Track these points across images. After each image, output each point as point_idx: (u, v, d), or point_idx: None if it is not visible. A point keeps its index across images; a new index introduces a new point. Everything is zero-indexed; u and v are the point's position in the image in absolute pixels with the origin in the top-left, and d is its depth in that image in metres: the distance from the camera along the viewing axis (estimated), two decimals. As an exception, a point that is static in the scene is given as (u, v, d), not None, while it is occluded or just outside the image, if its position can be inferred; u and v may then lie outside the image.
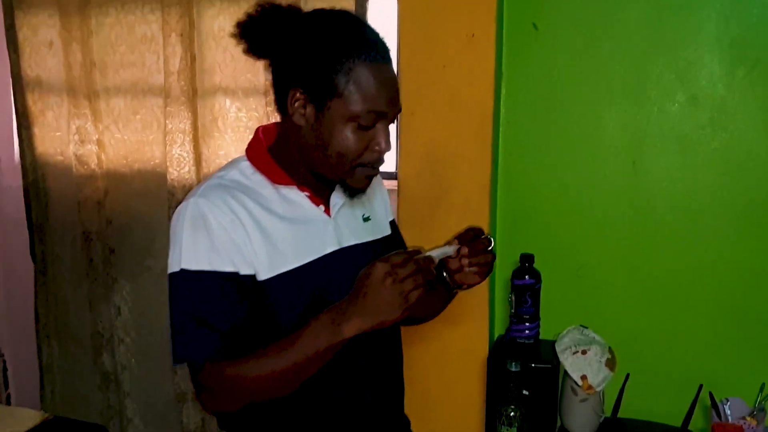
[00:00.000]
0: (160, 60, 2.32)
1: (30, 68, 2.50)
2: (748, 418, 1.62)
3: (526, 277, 1.78)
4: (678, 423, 1.75)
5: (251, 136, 1.24)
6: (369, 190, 1.22)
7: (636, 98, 1.78)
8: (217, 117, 2.30)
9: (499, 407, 1.68)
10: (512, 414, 1.65)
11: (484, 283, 1.81)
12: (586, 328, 1.81)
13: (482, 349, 1.86)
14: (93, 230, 2.55)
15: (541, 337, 1.85)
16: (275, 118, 1.36)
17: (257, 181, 1.17)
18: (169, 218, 1.20)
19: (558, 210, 1.87)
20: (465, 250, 1.20)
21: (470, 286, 1.27)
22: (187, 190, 2.23)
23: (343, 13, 1.16)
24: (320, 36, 1.10)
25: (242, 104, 2.26)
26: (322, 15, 1.15)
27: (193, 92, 2.29)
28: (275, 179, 1.17)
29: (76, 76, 2.43)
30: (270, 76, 1.17)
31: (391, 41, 1.85)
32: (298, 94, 1.11)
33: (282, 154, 1.18)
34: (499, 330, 1.94)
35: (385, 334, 1.13)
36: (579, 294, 1.89)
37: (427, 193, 1.86)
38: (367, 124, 1.11)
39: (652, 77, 1.76)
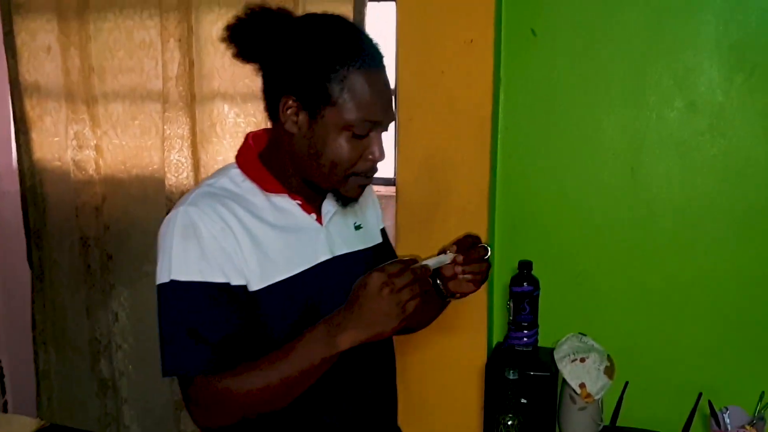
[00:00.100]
0: (159, 65, 2.32)
1: (28, 73, 2.50)
2: (748, 427, 1.61)
3: (525, 284, 1.77)
4: None
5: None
6: (360, 198, 1.20)
7: (634, 104, 1.77)
8: (216, 122, 2.30)
9: (497, 415, 1.66)
10: (510, 422, 1.64)
11: (483, 290, 1.81)
12: (585, 335, 1.80)
13: (480, 357, 1.84)
14: (91, 236, 2.54)
15: (539, 344, 1.83)
16: (272, 124, 1.35)
17: (248, 188, 1.14)
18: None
19: (557, 216, 1.86)
20: (460, 258, 1.17)
21: (464, 295, 1.24)
22: (185, 196, 2.22)
23: (336, 18, 1.13)
24: (313, 42, 1.08)
25: (240, 110, 2.26)
26: (314, 20, 1.13)
27: (192, 98, 2.29)
28: (266, 187, 1.14)
29: (74, 81, 2.43)
30: (260, 81, 1.15)
31: (389, 46, 1.86)
32: (290, 102, 1.09)
33: (273, 162, 1.16)
34: (497, 337, 1.93)
35: (377, 345, 1.11)
36: (578, 301, 1.88)
37: (425, 199, 1.85)
38: (362, 133, 1.09)
39: (650, 83, 1.76)
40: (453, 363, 1.88)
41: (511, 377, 1.63)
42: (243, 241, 1.08)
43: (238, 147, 1.20)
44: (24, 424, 2.12)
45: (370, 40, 1.12)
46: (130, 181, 2.46)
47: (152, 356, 2.52)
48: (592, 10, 1.77)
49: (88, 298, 2.60)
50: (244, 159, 1.17)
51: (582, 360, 1.71)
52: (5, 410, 2.82)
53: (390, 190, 2.16)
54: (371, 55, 1.10)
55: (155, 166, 2.41)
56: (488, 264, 1.21)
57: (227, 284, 1.07)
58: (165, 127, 2.33)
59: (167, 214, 1.12)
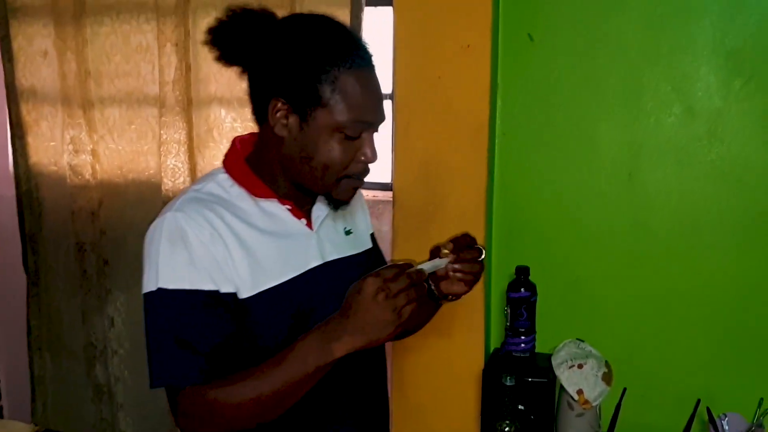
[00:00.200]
0: (155, 70, 2.31)
1: (24, 78, 2.50)
2: (747, 434, 1.60)
3: (522, 289, 1.76)
4: (675, 438, 1.73)
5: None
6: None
7: (632, 110, 1.77)
8: (212, 127, 2.29)
9: (494, 422, 1.65)
10: (507, 429, 1.63)
11: (480, 296, 1.82)
12: (583, 341, 1.79)
13: (477, 363, 1.83)
14: (87, 241, 2.54)
15: (537, 350, 1.82)
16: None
17: (236, 193, 1.12)
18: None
19: (554, 222, 1.86)
20: (452, 257, 1.16)
21: (456, 297, 1.23)
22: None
23: (323, 18, 1.11)
24: (302, 43, 1.06)
25: (237, 114, 2.25)
26: (301, 20, 1.11)
27: (188, 102, 2.29)
28: (255, 192, 1.12)
29: (70, 85, 2.42)
30: (246, 85, 1.12)
31: (386, 51, 1.86)
32: (279, 104, 1.07)
33: (261, 166, 1.13)
34: (494, 343, 1.92)
35: (369, 353, 1.07)
36: (575, 307, 1.87)
37: (422, 205, 1.84)
38: (354, 134, 1.07)
39: (648, 89, 1.75)
40: (450, 369, 1.87)
41: (508, 383, 1.61)
42: (232, 247, 1.06)
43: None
44: (19, 429, 2.11)
45: (359, 40, 1.11)
46: (127, 186, 2.45)
47: (148, 362, 2.52)
48: (589, 15, 1.77)
49: (84, 303, 2.58)
50: (232, 163, 1.15)
51: (580, 366, 1.71)
52: (0, 416, 2.81)
53: (387, 195, 2.15)
54: (361, 54, 1.08)
55: (152, 171, 2.41)
56: (481, 266, 1.20)
57: (217, 292, 1.04)
58: (162, 131, 2.32)
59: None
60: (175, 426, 1.06)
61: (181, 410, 1.04)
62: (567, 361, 1.73)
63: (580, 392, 1.68)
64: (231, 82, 2.22)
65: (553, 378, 1.74)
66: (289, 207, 1.14)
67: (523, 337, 1.78)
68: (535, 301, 1.78)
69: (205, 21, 2.22)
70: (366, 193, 2.30)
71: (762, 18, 1.64)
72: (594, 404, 1.68)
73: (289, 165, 1.10)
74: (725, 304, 1.75)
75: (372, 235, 1.36)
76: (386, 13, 1.98)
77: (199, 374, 1.02)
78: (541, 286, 1.79)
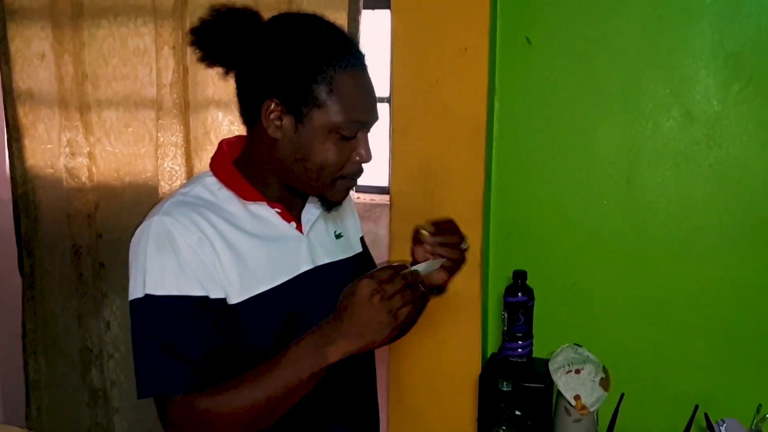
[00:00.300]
0: (153, 72, 2.31)
1: (22, 80, 2.49)
2: (745, 440, 1.59)
3: (519, 294, 1.75)
4: (673, 444, 1.72)
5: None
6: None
7: (630, 113, 1.76)
8: (210, 130, 2.28)
9: (491, 427, 1.64)
10: (504, 434, 1.62)
11: (477, 300, 1.80)
12: (580, 346, 1.78)
13: (474, 368, 1.82)
14: (83, 244, 2.52)
15: (534, 355, 1.81)
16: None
17: (224, 197, 1.09)
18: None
19: (551, 226, 1.85)
20: (431, 230, 1.13)
21: (439, 290, 1.20)
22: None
23: (314, 18, 1.09)
24: (296, 42, 1.04)
25: (235, 117, 2.24)
26: (292, 20, 1.09)
27: (186, 105, 2.28)
28: (244, 195, 1.10)
29: (67, 88, 2.41)
30: (224, 84, 1.11)
31: (383, 55, 1.85)
32: (273, 105, 1.04)
33: (251, 169, 1.11)
34: (492, 348, 1.91)
35: (358, 358, 1.03)
36: (573, 311, 1.86)
37: (419, 208, 1.83)
38: (350, 134, 1.06)
39: (646, 92, 1.75)
40: (447, 374, 1.86)
41: (505, 389, 1.60)
42: (221, 251, 1.03)
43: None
44: (12, 434, 2.09)
45: (352, 38, 1.10)
46: (123, 189, 2.44)
47: (144, 366, 2.51)
48: (587, 19, 1.76)
49: (80, 307, 2.57)
50: (220, 166, 1.13)
51: (577, 371, 1.70)
52: (-6, 420, 2.79)
53: (384, 199, 2.15)
54: (356, 54, 1.07)
55: (149, 174, 2.40)
56: (462, 254, 1.16)
57: (206, 298, 1.02)
58: (159, 134, 2.31)
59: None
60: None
61: (171, 420, 1.01)
62: (564, 366, 1.72)
63: (577, 398, 1.67)
64: (228, 86, 2.16)
65: (551, 383, 1.73)
66: (278, 210, 1.12)
67: (520, 342, 1.77)
68: (533, 305, 1.77)
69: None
70: (363, 197, 2.30)
71: (760, 21, 1.64)
72: (591, 410, 1.67)
73: (282, 167, 1.08)
74: (724, 309, 1.74)
75: (362, 238, 1.34)
76: (384, 16, 1.97)
77: (189, 383, 0.99)
78: (539, 291, 1.78)
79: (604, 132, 1.79)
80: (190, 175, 2.31)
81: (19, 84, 2.49)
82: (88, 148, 2.44)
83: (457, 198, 1.80)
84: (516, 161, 1.86)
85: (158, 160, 2.33)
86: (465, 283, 1.80)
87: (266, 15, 1.13)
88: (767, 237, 1.69)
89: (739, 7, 1.65)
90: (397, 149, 1.84)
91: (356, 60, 1.06)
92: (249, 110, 1.09)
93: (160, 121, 2.30)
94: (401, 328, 0.99)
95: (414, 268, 1.03)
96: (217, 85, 2.23)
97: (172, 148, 2.31)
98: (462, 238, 1.16)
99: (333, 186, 1.10)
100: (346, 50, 1.06)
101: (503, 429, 1.62)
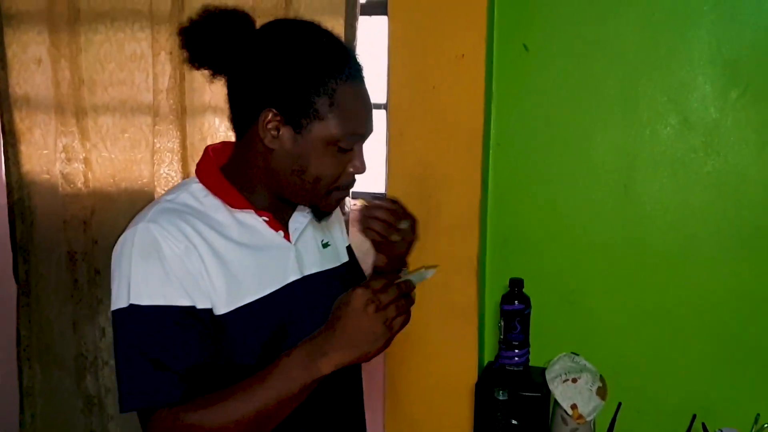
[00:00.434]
0: (149, 78, 2.30)
1: (18, 85, 2.48)
2: (743, 450, 1.58)
3: (516, 302, 1.74)
4: (671, 454, 1.71)
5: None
6: None
7: (628, 120, 1.76)
8: (206, 136, 2.27)
9: (487, 436, 1.63)
10: (500, 444, 1.60)
11: (473, 308, 1.79)
12: (578, 355, 1.77)
13: (471, 376, 1.81)
14: (78, 250, 2.51)
15: (531, 363, 1.80)
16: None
17: (210, 204, 1.06)
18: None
19: (549, 233, 1.84)
20: (438, 266, 1.10)
21: (392, 266, 1.19)
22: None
23: (313, 27, 1.07)
24: (296, 53, 1.02)
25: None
26: (291, 28, 1.06)
27: (182, 111, 2.27)
28: (231, 202, 1.07)
29: (64, 93, 2.40)
30: (220, 90, 1.07)
31: (380, 61, 1.84)
32: (271, 116, 1.02)
33: (239, 176, 1.09)
34: (488, 356, 1.90)
35: (345, 368, 1.00)
36: (570, 320, 1.85)
37: (415, 214, 1.80)
38: (348, 147, 1.05)
39: (644, 99, 1.74)
40: (443, 382, 1.85)
41: (500, 397, 1.59)
42: (208, 260, 1.01)
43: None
44: (5, 441, 2.07)
45: (352, 51, 1.08)
46: (119, 195, 2.43)
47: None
48: (584, 26, 1.76)
49: (75, 313, 2.55)
50: (206, 173, 1.10)
51: (574, 380, 1.68)
52: (-12, 427, 2.77)
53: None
54: (355, 66, 1.06)
55: (145, 180, 2.38)
56: (410, 231, 1.18)
57: (193, 308, 0.99)
58: (155, 140, 2.30)
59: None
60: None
61: None
62: (561, 375, 1.70)
63: (574, 407, 1.66)
64: (225, 92, 2.20)
65: (547, 392, 1.71)
66: (266, 219, 1.10)
67: (516, 351, 1.76)
68: (529, 313, 1.76)
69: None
70: (359, 203, 2.28)
71: (758, 29, 1.64)
72: (588, 419, 1.66)
73: (276, 177, 1.06)
74: (721, 317, 1.73)
75: (349, 247, 1.32)
76: (381, 22, 1.97)
77: (174, 395, 0.96)
78: (536, 299, 1.77)
79: (601, 139, 1.78)
80: (187, 181, 2.30)
81: (15, 89, 2.48)
82: (84, 154, 2.43)
83: (453, 204, 1.79)
84: (513, 168, 1.85)
85: (154, 166, 2.32)
86: (461, 291, 1.79)
87: (263, 19, 1.11)
88: (765, 245, 1.68)
89: (737, 14, 1.65)
90: (393, 155, 1.83)
91: (356, 72, 1.05)
92: (242, 118, 1.07)
93: (156, 126, 2.29)
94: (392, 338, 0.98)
95: (407, 277, 1.01)
96: (214, 91, 2.23)
97: (168, 154, 2.30)
98: (407, 215, 1.16)
99: (328, 197, 1.08)
100: (346, 62, 1.04)
101: (499, 438, 1.60)
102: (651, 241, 1.77)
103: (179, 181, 2.31)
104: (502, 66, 1.82)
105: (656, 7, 1.70)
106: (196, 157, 2.28)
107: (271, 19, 1.11)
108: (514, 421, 1.67)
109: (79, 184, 2.46)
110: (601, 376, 1.72)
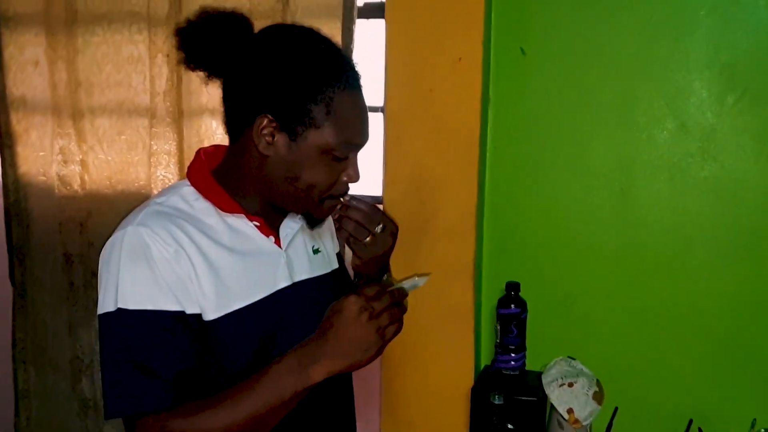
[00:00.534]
0: (147, 80, 2.29)
1: (15, 87, 2.47)
2: (740, 456, 1.57)
3: (512, 306, 1.74)
4: (667, 459, 1.70)
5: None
6: None
7: (625, 125, 1.75)
8: (203, 138, 2.27)
9: (483, 441, 1.63)
10: (496, 448, 1.60)
11: (470, 312, 1.79)
12: (574, 359, 1.76)
13: (467, 380, 1.80)
14: (74, 252, 2.50)
15: (527, 368, 1.79)
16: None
17: (201, 208, 1.05)
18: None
19: (545, 237, 1.83)
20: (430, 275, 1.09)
21: (368, 270, 1.19)
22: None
23: (312, 33, 1.07)
24: (294, 59, 1.01)
25: (228, 126, 2.23)
26: (290, 34, 1.05)
27: (179, 113, 2.27)
28: (223, 206, 1.06)
29: (61, 95, 2.40)
30: (218, 93, 1.06)
31: (378, 64, 1.84)
32: (266, 122, 1.01)
33: (231, 181, 1.08)
34: (485, 360, 1.89)
35: (336, 376, 1.00)
36: (566, 324, 1.84)
37: (412, 219, 1.82)
38: (343, 156, 1.04)
39: (641, 104, 1.74)
40: (439, 386, 1.84)
41: (496, 402, 1.59)
42: (198, 265, 0.99)
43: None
44: (0, 444, 2.06)
45: (350, 59, 1.08)
46: (116, 197, 2.42)
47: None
48: (582, 30, 1.76)
49: (71, 316, 2.54)
50: (198, 176, 1.09)
51: (570, 385, 1.68)
52: (-17, 430, 2.76)
53: (377, 209, 2.13)
54: (353, 75, 1.05)
55: (141, 182, 2.38)
56: (391, 239, 1.18)
57: (182, 313, 0.97)
58: (152, 142, 2.30)
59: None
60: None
61: None
62: (557, 380, 1.70)
63: (570, 411, 1.65)
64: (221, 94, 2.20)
65: (544, 396, 1.71)
66: (257, 224, 1.09)
67: (513, 355, 1.75)
68: (526, 317, 1.75)
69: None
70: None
71: (755, 32, 1.64)
72: (585, 424, 1.65)
73: (268, 183, 1.06)
74: (718, 322, 1.73)
75: (338, 254, 1.31)
76: (378, 25, 1.96)
77: (162, 401, 0.94)
78: (532, 303, 1.77)
79: (598, 143, 1.78)
80: (184, 184, 2.30)
81: (12, 91, 2.48)
82: (80, 156, 2.43)
83: (450, 208, 1.78)
84: (509, 171, 1.85)
85: (151, 169, 2.32)
86: (458, 295, 1.79)
87: (260, 22, 1.11)
88: (762, 250, 1.68)
89: (734, 19, 1.65)
90: (390, 159, 1.83)
91: (354, 81, 1.05)
92: (237, 122, 1.06)
93: (153, 129, 2.29)
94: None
95: (400, 285, 1.01)
96: (211, 94, 2.22)
97: (165, 156, 2.30)
98: (380, 222, 1.15)
99: (320, 205, 1.08)
100: (344, 70, 1.04)
101: (495, 443, 1.60)
102: (648, 245, 1.77)
103: (176, 183, 2.31)
104: (499, 70, 1.81)
105: (653, 11, 1.70)
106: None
107: (268, 21, 1.11)
108: (510, 426, 1.66)
109: (76, 186, 2.45)
110: (597, 380, 1.71)
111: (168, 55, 2.22)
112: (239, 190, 1.08)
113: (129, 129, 2.37)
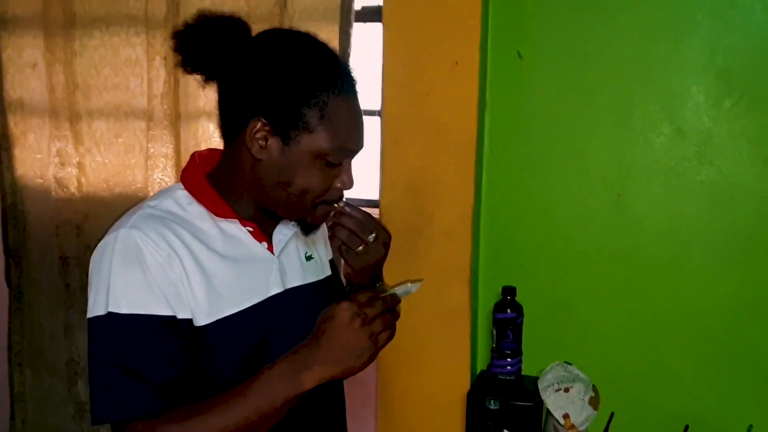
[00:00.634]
0: (144, 83, 2.29)
1: (13, 89, 2.47)
2: (736, 462, 1.57)
3: (508, 310, 1.73)
4: (664, 465, 1.70)
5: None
6: None
7: (621, 129, 1.75)
8: (201, 141, 2.26)
9: (478, 446, 1.62)
10: (491, 453, 1.59)
11: (466, 316, 1.78)
12: (570, 364, 1.76)
13: (463, 385, 1.80)
14: (71, 255, 2.50)
15: (523, 372, 1.79)
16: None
17: (194, 212, 1.04)
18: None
19: (542, 241, 1.83)
20: (423, 281, 1.09)
21: (359, 280, 1.17)
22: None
23: (308, 38, 1.06)
24: (289, 63, 1.01)
25: (226, 129, 2.22)
26: (286, 38, 1.05)
27: (177, 116, 2.26)
28: (216, 211, 1.05)
29: (58, 97, 2.40)
30: (215, 96, 1.06)
31: (375, 68, 1.84)
32: (260, 125, 1.00)
33: (225, 185, 1.07)
34: (482, 365, 1.89)
35: (328, 383, 0.99)
36: (563, 329, 1.84)
37: (409, 223, 1.82)
38: (336, 161, 1.03)
39: (637, 108, 1.74)
40: (435, 391, 1.83)
41: (492, 407, 1.58)
42: (190, 269, 0.98)
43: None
44: (-5, 447, 2.06)
45: (346, 65, 1.07)
46: (113, 200, 2.42)
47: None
48: (579, 34, 1.76)
49: (67, 319, 2.54)
50: (192, 180, 1.08)
51: (566, 390, 1.67)
52: (-22, 433, 2.75)
53: (374, 212, 2.12)
54: (348, 80, 1.05)
55: (138, 185, 2.38)
56: (383, 249, 1.16)
57: (173, 317, 0.96)
58: (149, 145, 2.30)
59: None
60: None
61: None
62: (553, 385, 1.69)
63: (566, 416, 1.64)
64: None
65: (539, 402, 1.70)
66: (251, 229, 1.08)
67: (509, 359, 1.75)
68: (522, 322, 1.75)
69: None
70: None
71: (752, 36, 1.64)
72: (580, 429, 1.64)
73: (261, 188, 1.05)
74: (715, 326, 1.72)
75: (331, 261, 1.30)
76: (375, 29, 1.96)
77: (151, 407, 0.93)
78: (528, 307, 1.76)
79: (595, 147, 1.78)
80: (180, 187, 2.30)
81: (10, 93, 2.48)
82: (77, 159, 2.42)
83: (446, 212, 1.78)
84: (506, 175, 1.84)
85: (148, 171, 2.31)
86: (454, 299, 1.78)
87: (257, 25, 1.10)
88: (758, 254, 1.68)
89: (731, 23, 1.65)
90: (387, 162, 1.83)
91: (349, 86, 1.04)
92: (231, 125, 1.05)
93: (150, 131, 2.28)
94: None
95: (393, 291, 1.00)
96: (209, 97, 2.20)
97: (162, 159, 2.30)
98: (373, 231, 1.13)
99: (313, 211, 1.07)
100: (340, 76, 1.03)
101: (490, 448, 1.59)
102: (644, 249, 1.76)
103: (173, 186, 2.31)
104: (496, 73, 1.81)
105: (650, 15, 1.70)
106: (190, 162, 2.28)
107: (265, 25, 1.11)
108: (505, 431, 1.65)
109: (73, 189, 2.45)
110: (593, 385, 1.71)
111: (165, 58, 2.22)
112: (233, 195, 1.07)
113: (126, 132, 2.37)
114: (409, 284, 1.04)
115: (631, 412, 1.76)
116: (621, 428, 1.72)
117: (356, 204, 1.15)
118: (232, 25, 1.05)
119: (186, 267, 0.98)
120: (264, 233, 1.10)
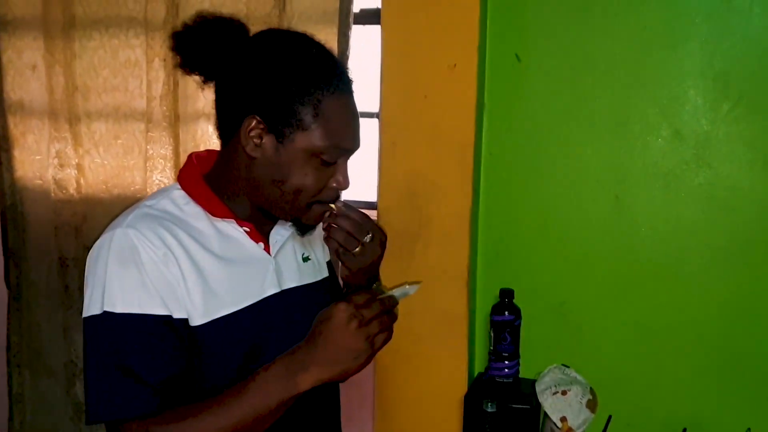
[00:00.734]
0: (143, 84, 2.29)
1: (13, 91, 2.47)
2: (733, 465, 1.57)
3: (506, 313, 1.73)
4: (661, 468, 1.69)
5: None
6: None
7: (619, 132, 1.75)
8: (200, 143, 2.26)
9: (475, 448, 1.62)
10: (488, 456, 1.59)
11: (464, 319, 1.78)
12: (568, 367, 1.76)
13: (460, 388, 1.80)
14: (70, 256, 2.50)
15: (521, 375, 1.79)
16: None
17: (191, 212, 1.04)
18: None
19: (539, 244, 1.83)
20: (421, 283, 1.07)
21: (357, 280, 1.16)
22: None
23: (304, 38, 1.06)
24: (284, 61, 1.01)
25: (225, 131, 2.23)
26: (282, 37, 1.05)
27: (176, 118, 2.27)
28: (213, 211, 1.05)
29: (58, 99, 2.40)
30: (206, 97, 1.08)
31: (373, 70, 1.84)
32: (254, 123, 1.00)
33: (222, 185, 1.07)
34: (479, 367, 1.89)
35: (323, 385, 0.98)
36: (560, 331, 1.84)
37: (407, 225, 1.82)
38: (331, 160, 1.03)
39: (635, 111, 1.74)
40: (432, 394, 1.83)
41: (489, 410, 1.58)
42: (186, 269, 0.98)
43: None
44: (-7, 448, 2.06)
45: (342, 64, 1.07)
46: (112, 201, 2.42)
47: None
48: (577, 37, 1.76)
49: (66, 320, 2.54)
50: (189, 180, 1.08)
51: (564, 393, 1.67)
52: (-24, 434, 2.75)
53: (371, 215, 2.13)
54: (344, 79, 1.04)
55: (137, 187, 2.38)
56: (380, 249, 1.15)
57: (169, 317, 0.96)
58: (148, 147, 2.30)
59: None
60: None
61: None
62: (551, 387, 1.69)
63: (563, 419, 1.64)
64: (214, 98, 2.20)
65: (537, 404, 1.70)
66: (247, 229, 1.08)
67: (506, 362, 1.75)
68: (519, 324, 1.75)
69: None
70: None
71: (749, 41, 1.64)
72: (578, 432, 1.65)
73: (256, 187, 1.05)
74: (712, 330, 1.72)
75: (329, 263, 1.30)
76: (374, 31, 1.97)
77: (147, 407, 0.93)
78: (526, 310, 1.77)
79: (593, 150, 1.78)
80: (179, 188, 2.30)
81: (9, 94, 2.48)
82: (76, 160, 2.43)
83: (444, 215, 1.78)
84: (504, 178, 1.84)
85: (147, 173, 2.32)
86: (452, 302, 1.78)
87: (256, 27, 1.11)
88: (756, 258, 1.68)
89: (729, 27, 1.65)
90: (385, 165, 1.83)
91: (344, 85, 1.04)
92: (227, 124, 1.05)
93: (149, 133, 2.29)
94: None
95: (390, 293, 1.00)
96: (208, 99, 2.20)
97: (161, 160, 2.30)
98: (369, 232, 1.11)
99: (308, 210, 1.07)
100: (335, 74, 1.03)
101: (487, 450, 1.59)
102: (642, 252, 1.76)
103: (172, 188, 2.31)
104: (494, 76, 1.81)
105: (649, 18, 1.70)
106: (189, 164, 2.28)
107: (264, 26, 1.11)
108: (503, 433, 1.66)
109: (72, 190, 2.45)
110: (591, 388, 1.71)
111: (165, 60, 2.22)
112: (229, 195, 1.07)
113: (125, 133, 2.37)
114: (407, 286, 1.04)
115: (629, 415, 1.76)
116: (619, 431, 1.72)
117: (353, 206, 1.15)
118: (230, 25, 1.05)
119: (182, 267, 0.98)
120: (261, 233, 1.10)
